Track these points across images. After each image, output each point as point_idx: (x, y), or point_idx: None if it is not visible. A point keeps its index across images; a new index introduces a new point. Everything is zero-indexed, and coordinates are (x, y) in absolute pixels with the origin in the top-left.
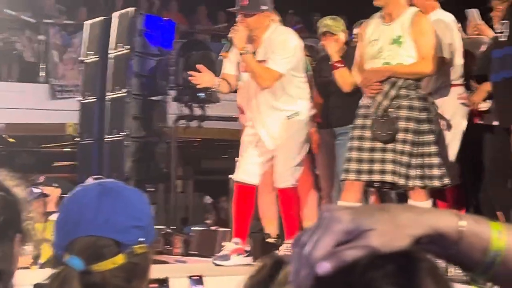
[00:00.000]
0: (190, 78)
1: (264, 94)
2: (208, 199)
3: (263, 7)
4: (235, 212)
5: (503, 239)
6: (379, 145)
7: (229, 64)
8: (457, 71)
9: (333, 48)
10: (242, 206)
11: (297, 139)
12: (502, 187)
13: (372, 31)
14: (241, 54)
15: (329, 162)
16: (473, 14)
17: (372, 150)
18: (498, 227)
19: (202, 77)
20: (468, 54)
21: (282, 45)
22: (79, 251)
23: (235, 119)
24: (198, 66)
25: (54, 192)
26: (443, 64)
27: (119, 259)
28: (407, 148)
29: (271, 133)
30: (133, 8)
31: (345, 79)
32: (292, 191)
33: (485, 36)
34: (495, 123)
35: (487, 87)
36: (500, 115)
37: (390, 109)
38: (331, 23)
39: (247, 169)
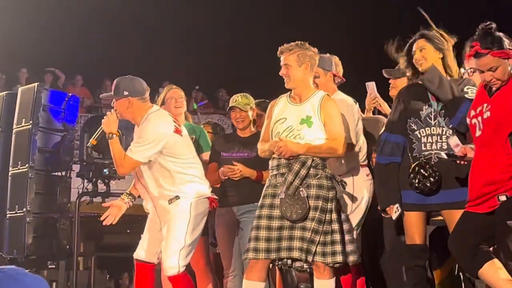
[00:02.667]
0: (103, 223)
1: (146, 180)
2: (111, 276)
3: (125, 93)
4: None
5: None
6: (287, 223)
7: None
8: (362, 151)
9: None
10: (141, 284)
11: (178, 224)
12: (398, 270)
13: (280, 110)
14: (107, 139)
15: (231, 240)
16: (373, 86)
17: (280, 228)
18: None
19: (111, 212)
20: (368, 135)
21: (141, 133)
22: None
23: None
24: (104, 204)
25: None
26: (351, 148)
27: None
28: (315, 226)
29: (160, 217)
30: (37, 83)
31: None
32: (180, 277)
33: (382, 109)
34: None
35: None
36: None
37: (300, 189)
38: (241, 100)
39: (146, 247)
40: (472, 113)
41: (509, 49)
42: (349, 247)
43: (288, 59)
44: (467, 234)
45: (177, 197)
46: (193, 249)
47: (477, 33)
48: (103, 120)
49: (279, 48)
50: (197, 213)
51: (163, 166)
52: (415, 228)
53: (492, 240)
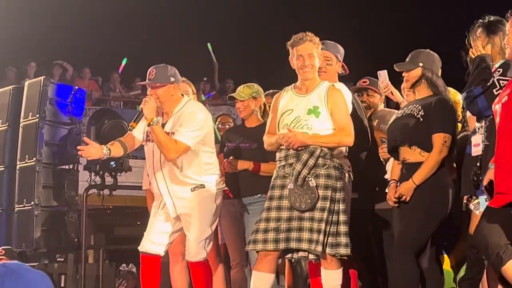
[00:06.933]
0: (78, 152)
1: (169, 165)
2: (123, 267)
3: (172, 79)
4: (142, 284)
5: None
6: (296, 214)
7: (137, 131)
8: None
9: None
10: (148, 277)
11: (205, 211)
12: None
13: (286, 102)
14: (149, 125)
15: (237, 232)
16: (384, 75)
17: (289, 219)
18: None
19: (89, 150)
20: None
21: (190, 119)
22: None
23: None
24: (85, 139)
25: None
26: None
27: None
28: (325, 215)
29: (176, 203)
30: (43, 77)
31: None
32: (204, 264)
33: (394, 97)
34: None
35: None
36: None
37: (309, 178)
38: (242, 90)
39: (152, 239)
40: (497, 99)
41: None
42: (348, 239)
43: (312, 49)
44: (490, 230)
45: (202, 186)
46: (212, 239)
47: None
48: (143, 107)
49: (300, 36)
50: (218, 203)
51: (194, 153)
52: (473, 220)
53: None
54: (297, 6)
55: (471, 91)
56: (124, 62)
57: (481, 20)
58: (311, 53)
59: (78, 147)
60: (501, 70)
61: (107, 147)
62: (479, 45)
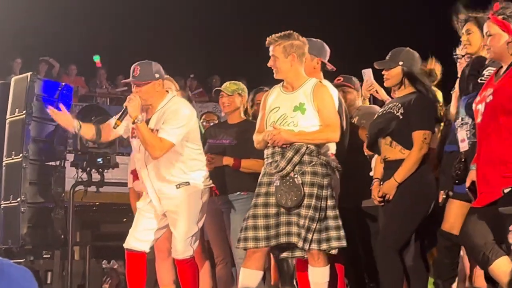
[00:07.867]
0: (48, 110)
1: (153, 162)
2: (106, 263)
3: (157, 75)
4: (128, 281)
5: None
6: (283, 209)
7: (120, 126)
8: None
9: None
10: (133, 274)
11: (191, 208)
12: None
13: (274, 100)
14: (134, 123)
15: (219, 228)
16: (369, 73)
17: (277, 214)
18: None
19: (59, 115)
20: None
21: (174, 116)
22: None
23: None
24: (60, 105)
25: None
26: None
27: None
28: (311, 213)
29: (161, 200)
30: (30, 73)
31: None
32: (190, 261)
33: (379, 96)
34: None
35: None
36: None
37: (295, 176)
38: (228, 85)
39: (137, 236)
40: (478, 98)
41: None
42: (341, 233)
43: (274, 51)
44: (475, 230)
45: (187, 183)
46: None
47: None
48: (127, 104)
49: (267, 39)
50: (205, 200)
51: (178, 150)
52: (447, 215)
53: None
54: (290, 6)
55: (473, 97)
56: (96, 59)
57: (473, 15)
58: (273, 54)
59: (49, 107)
60: (494, 69)
61: (78, 122)
62: (469, 39)
